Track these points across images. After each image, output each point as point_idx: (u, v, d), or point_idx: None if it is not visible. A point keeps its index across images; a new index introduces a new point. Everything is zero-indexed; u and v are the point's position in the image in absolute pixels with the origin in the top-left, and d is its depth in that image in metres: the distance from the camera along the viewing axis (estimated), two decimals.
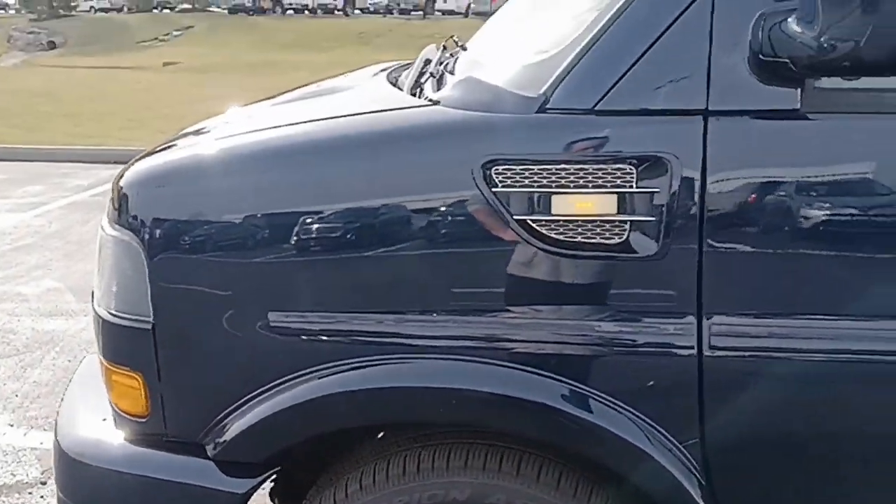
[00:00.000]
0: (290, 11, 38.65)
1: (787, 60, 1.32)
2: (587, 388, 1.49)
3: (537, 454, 1.58)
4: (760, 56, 1.36)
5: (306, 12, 37.88)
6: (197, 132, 1.88)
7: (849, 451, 1.50)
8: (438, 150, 1.52)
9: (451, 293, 1.50)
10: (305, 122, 1.67)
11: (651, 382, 1.48)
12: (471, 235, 1.48)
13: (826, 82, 1.38)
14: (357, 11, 37.31)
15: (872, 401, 1.46)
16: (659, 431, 1.48)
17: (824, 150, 1.41)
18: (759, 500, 1.55)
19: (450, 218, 1.48)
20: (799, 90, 1.37)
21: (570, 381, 1.49)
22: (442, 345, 1.51)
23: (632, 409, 1.48)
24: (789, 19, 1.31)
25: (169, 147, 1.78)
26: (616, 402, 1.48)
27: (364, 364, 1.52)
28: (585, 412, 1.49)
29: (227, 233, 1.56)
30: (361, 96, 2.03)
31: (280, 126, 1.68)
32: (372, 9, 37.19)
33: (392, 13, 35.52)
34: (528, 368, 1.50)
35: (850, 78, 1.35)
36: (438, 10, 34.40)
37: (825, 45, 1.26)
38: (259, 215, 1.55)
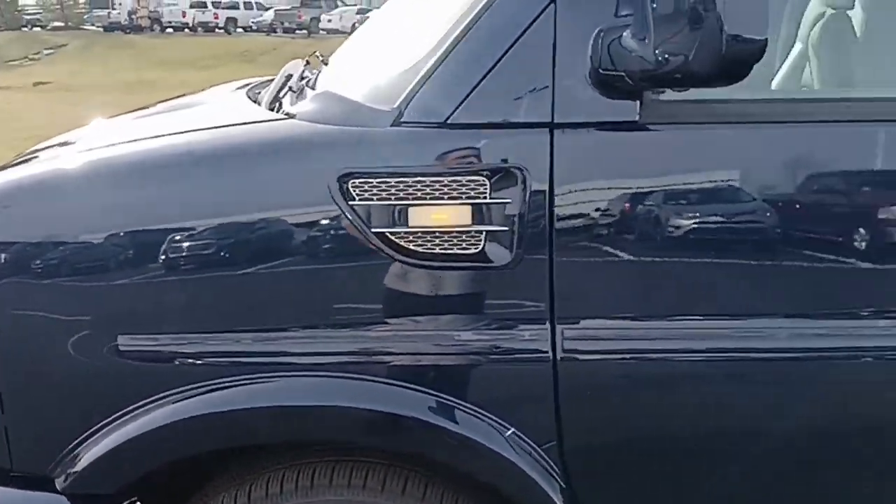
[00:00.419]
0: (169, 30, 37.59)
1: (623, 74, 1.38)
2: (451, 399, 1.50)
3: (403, 467, 1.58)
4: (600, 70, 1.41)
5: (186, 31, 36.90)
6: (42, 150, 1.82)
7: (700, 450, 1.56)
8: (292, 164, 1.51)
9: (311, 309, 1.49)
10: (151, 138, 1.63)
11: (511, 389, 1.51)
12: (330, 250, 1.48)
13: (663, 95, 1.45)
14: (239, 30, 36.57)
15: (720, 399, 1.53)
16: (520, 437, 1.50)
17: (662, 160, 1.48)
18: (619, 501, 1.60)
19: (308, 232, 1.47)
20: (637, 103, 1.43)
21: (435, 393, 1.50)
22: (301, 362, 1.49)
23: (494, 417, 1.50)
24: (625, 34, 1.37)
25: (10, 167, 1.70)
26: (479, 410, 1.50)
27: (222, 385, 1.49)
28: (450, 423, 1.50)
29: (72, 254, 1.50)
30: (219, 111, 2.00)
31: (124, 143, 1.63)
32: (255, 27, 36.53)
33: (276, 32, 34.99)
34: (390, 381, 1.50)
35: (682, 90, 1.42)
36: (323, 29, 34.07)
37: (658, 58, 1.32)
38: (103, 235, 1.49)
